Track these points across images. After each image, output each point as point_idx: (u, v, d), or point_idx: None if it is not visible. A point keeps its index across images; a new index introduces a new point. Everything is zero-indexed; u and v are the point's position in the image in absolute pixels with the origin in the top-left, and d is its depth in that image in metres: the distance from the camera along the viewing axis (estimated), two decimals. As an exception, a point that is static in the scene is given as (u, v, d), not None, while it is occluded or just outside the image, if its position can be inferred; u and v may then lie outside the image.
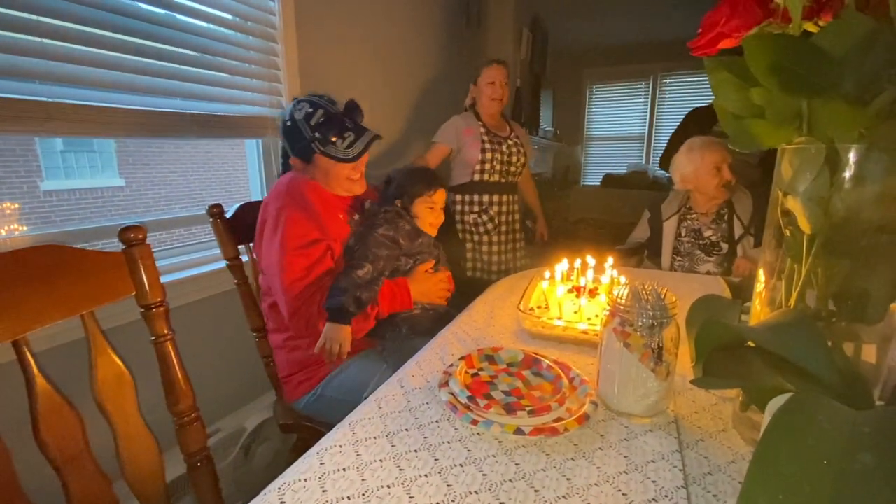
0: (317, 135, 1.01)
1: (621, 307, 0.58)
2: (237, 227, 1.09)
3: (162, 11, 1.19)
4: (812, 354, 0.35)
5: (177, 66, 1.23)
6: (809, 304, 0.49)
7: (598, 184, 5.26)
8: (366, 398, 0.93)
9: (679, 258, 1.54)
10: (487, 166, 1.83)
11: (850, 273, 0.46)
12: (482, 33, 2.99)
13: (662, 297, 0.58)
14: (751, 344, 0.48)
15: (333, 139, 1.02)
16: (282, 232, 0.98)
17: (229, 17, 1.37)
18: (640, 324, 0.57)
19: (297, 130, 1.03)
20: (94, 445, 0.62)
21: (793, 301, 0.50)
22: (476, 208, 1.88)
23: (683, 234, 1.53)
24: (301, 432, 1.11)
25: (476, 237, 1.91)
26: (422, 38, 2.44)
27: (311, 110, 1.02)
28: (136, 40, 1.13)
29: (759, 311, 0.55)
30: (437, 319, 1.11)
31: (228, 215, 1.08)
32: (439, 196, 1.13)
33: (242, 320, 1.13)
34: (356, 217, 1.12)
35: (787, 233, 0.50)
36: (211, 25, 1.31)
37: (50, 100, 0.98)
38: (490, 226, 1.88)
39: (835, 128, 0.42)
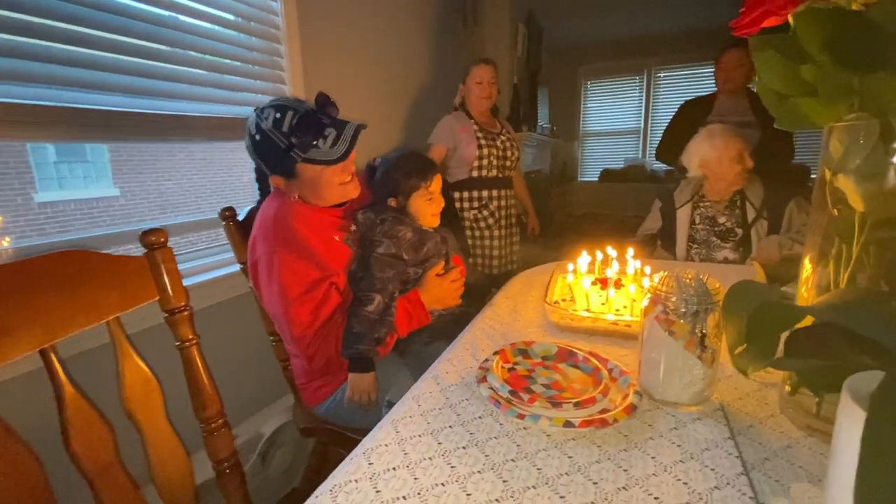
0: (293, 140, 0.87)
1: (664, 295, 0.57)
2: (250, 229, 1.06)
3: (165, 13, 1.17)
4: (891, 330, 0.34)
5: (180, 67, 1.21)
6: (861, 285, 0.48)
7: (596, 179, 5.28)
8: (388, 402, 0.93)
9: (695, 246, 1.54)
10: (485, 162, 1.85)
11: (904, 250, 0.46)
12: (479, 32, 2.99)
13: (705, 283, 0.57)
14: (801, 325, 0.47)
15: (314, 142, 0.88)
16: (278, 281, 0.89)
17: (232, 17, 1.35)
18: (683, 311, 0.56)
19: (269, 142, 0.88)
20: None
21: (843, 282, 0.49)
22: (476, 204, 1.89)
23: (698, 221, 1.53)
24: (322, 435, 1.09)
25: (477, 232, 1.92)
26: (421, 38, 2.44)
27: (278, 115, 0.87)
28: (139, 42, 1.11)
29: (806, 296, 0.54)
30: (454, 321, 1.08)
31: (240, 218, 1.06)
32: (436, 185, 1.03)
33: (257, 324, 1.11)
34: (353, 228, 1.02)
35: (836, 212, 0.49)
36: (214, 27, 1.30)
37: (51, 104, 0.96)
38: (491, 220, 1.90)
39: (891, 103, 0.42)
